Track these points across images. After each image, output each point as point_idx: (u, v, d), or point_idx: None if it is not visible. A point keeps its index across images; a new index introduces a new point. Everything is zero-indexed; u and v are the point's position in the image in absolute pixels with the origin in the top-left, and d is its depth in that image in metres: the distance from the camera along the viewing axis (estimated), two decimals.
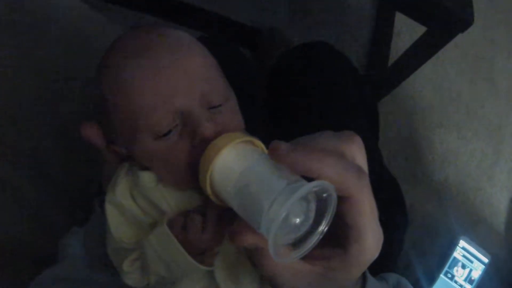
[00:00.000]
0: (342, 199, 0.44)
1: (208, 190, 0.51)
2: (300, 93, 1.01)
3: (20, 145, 1.33)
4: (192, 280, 0.64)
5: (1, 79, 1.37)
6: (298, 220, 0.43)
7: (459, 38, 1.22)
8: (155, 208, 0.62)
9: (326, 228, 0.44)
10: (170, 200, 0.61)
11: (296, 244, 0.45)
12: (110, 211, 0.63)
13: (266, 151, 0.52)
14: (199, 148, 0.53)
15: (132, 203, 0.63)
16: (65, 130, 1.34)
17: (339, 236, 0.47)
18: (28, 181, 1.31)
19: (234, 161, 0.49)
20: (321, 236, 0.44)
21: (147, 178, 0.61)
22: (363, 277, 0.68)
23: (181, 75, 0.56)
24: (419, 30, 1.28)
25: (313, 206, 0.43)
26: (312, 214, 0.44)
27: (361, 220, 0.45)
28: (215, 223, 0.57)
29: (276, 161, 0.45)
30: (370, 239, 0.46)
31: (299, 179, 0.43)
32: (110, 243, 0.66)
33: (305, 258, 0.46)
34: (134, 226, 0.64)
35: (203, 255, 0.59)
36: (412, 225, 1.12)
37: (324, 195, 0.43)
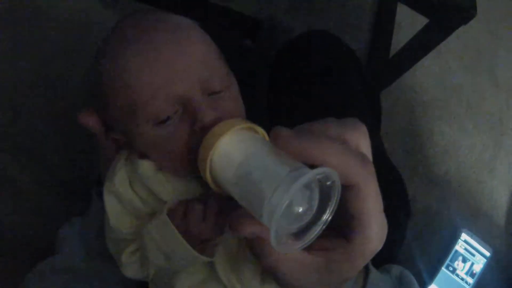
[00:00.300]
0: (346, 188, 0.42)
1: (208, 178, 0.49)
2: (302, 82, 0.99)
3: (18, 135, 1.33)
4: (192, 271, 0.63)
5: None
6: (301, 209, 0.42)
7: (461, 30, 1.20)
8: (155, 197, 0.61)
9: (330, 218, 0.43)
10: (170, 188, 0.59)
11: (299, 234, 0.43)
12: (109, 200, 0.62)
13: (267, 138, 0.51)
14: (199, 135, 0.52)
15: (131, 192, 0.62)
16: (63, 120, 1.34)
17: (342, 226, 0.45)
18: (26, 171, 1.31)
19: (235, 148, 0.47)
20: (324, 226, 0.43)
21: (146, 166, 0.60)
22: (366, 268, 0.67)
23: (181, 61, 0.55)
24: (421, 22, 1.26)
25: (316, 194, 0.42)
26: (315, 203, 0.42)
27: (366, 210, 0.43)
28: (216, 213, 0.56)
29: (278, 148, 0.43)
30: (375, 229, 0.44)
31: (302, 166, 0.41)
32: (109, 234, 0.65)
33: (307, 248, 0.44)
34: (133, 216, 0.63)
35: (204, 246, 0.58)
36: (413, 218, 1.10)
37: (328, 183, 0.41)
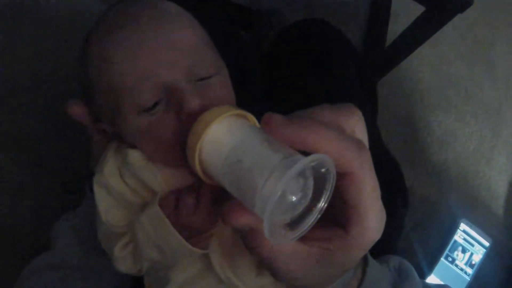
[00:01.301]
0: (341, 176, 0.40)
1: (197, 168, 0.47)
2: (298, 71, 0.98)
3: (15, 133, 1.32)
4: (188, 264, 0.62)
5: None
6: (295, 198, 0.40)
7: (458, 20, 1.20)
8: (146, 187, 0.59)
9: (324, 206, 0.41)
10: (160, 178, 0.58)
11: (293, 224, 0.41)
12: (99, 192, 0.61)
13: (258, 125, 0.49)
14: (186, 123, 0.50)
15: (121, 183, 0.60)
16: (61, 118, 1.33)
17: (338, 216, 0.43)
18: (23, 170, 1.30)
19: (224, 135, 0.45)
20: (319, 215, 0.41)
21: (136, 156, 0.58)
22: (364, 259, 0.66)
23: (166, 47, 0.54)
24: (417, 11, 1.25)
25: (310, 182, 0.40)
26: (310, 192, 0.40)
27: (362, 198, 0.41)
28: (208, 203, 0.54)
29: (270, 135, 0.41)
30: (372, 219, 0.42)
31: (295, 153, 0.39)
32: (101, 228, 0.64)
33: (303, 239, 0.42)
34: (124, 208, 0.62)
35: (198, 238, 0.57)
36: (412, 208, 1.10)
37: (322, 170, 0.39)
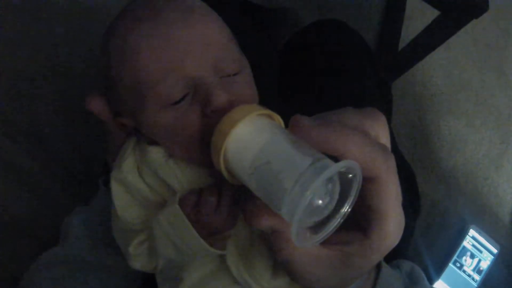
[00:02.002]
0: (366, 180, 0.41)
1: (222, 167, 0.47)
2: (315, 71, 0.98)
3: (25, 122, 1.32)
4: (201, 263, 0.61)
5: (3, 54, 1.36)
6: (321, 202, 0.40)
7: (471, 26, 1.20)
8: (164, 185, 0.59)
9: (348, 210, 0.41)
10: (180, 177, 0.58)
11: (316, 227, 0.41)
12: (116, 189, 0.61)
13: (283, 126, 0.49)
14: (211, 118, 0.50)
15: (139, 180, 0.60)
16: (71, 108, 1.33)
17: (359, 220, 0.44)
18: (32, 159, 1.30)
19: (253, 135, 0.45)
20: (342, 219, 0.41)
21: (156, 153, 0.58)
22: (378, 264, 0.65)
23: (193, 41, 0.53)
24: (430, 15, 1.25)
25: (337, 187, 0.40)
26: (336, 196, 0.40)
27: (385, 203, 0.41)
28: (229, 204, 0.54)
29: (297, 137, 0.41)
30: (393, 224, 0.43)
31: (324, 157, 0.39)
32: (116, 224, 0.64)
33: (324, 242, 0.42)
34: (141, 205, 0.61)
35: (215, 238, 0.57)
36: (421, 212, 1.10)
37: (350, 176, 0.39)
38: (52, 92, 1.36)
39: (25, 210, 1.25)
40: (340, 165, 0.37)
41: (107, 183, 0.76)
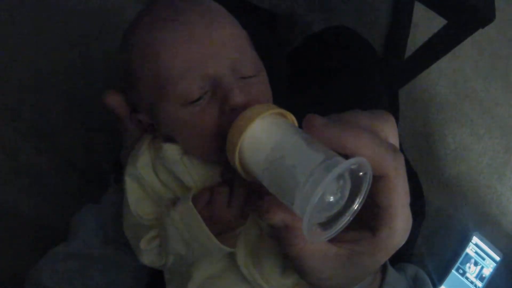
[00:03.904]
0: (375, 178, 0.42)
1: (237, 162, 0.48)
2: (324, 77, 0.99)
3: (35, 119, 1.33)
4: (210, 261, 0.62)
5: (14, 52, 1.37)
6: (332, 198, 0.41)
7: (477, 35, 1.20)
8: (178, 182, 0.60)
9: (359, 208, 0.42)
10: (194, 174, 0.59)
11: (326, 223, 0.42)
12: (130, 184, 0.62)
13: (297, 125, 0.50)
14: (229, 117, 0.51)
15: (153, 177, 0.61)
16: (81, 106, 1.34)
17: (368, 219, 0.45)
18: (42, 155, 1.31)
19: (268, 132, 0.46)
20: (352, 217, 0.42)
21: (171, 150, 0.59)
22: (383, 266, 0.66)
23: (213, 42, 0.55)
24: (436, 23, 1.26)
25: (348, 184, 0.41)
26: (346, 193, 0.41)
27: (394, 201, 0.43)
28: (242, 199, 0.55)
29: (311, 135, 0.42)
30: (401, 223, 0.44)
31: (335, 154, 0.40)
32: (127, 220, 0.64)
33: (332, 240, 0.44)
34: (154, 201, 0.62)
35: (225, 236, 0.57)
36: (425, 219, 1.11)
37: (360, 173, 0.41)
38: (61, 90, 1.37)
39: (34, 206, 1.26)
40: (352, 162, 0.39)
41: (118, 180, 0.77)
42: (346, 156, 0.40)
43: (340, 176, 0.40)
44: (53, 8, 1.44)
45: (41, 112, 1.35)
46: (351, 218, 0.42)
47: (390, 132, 0.46)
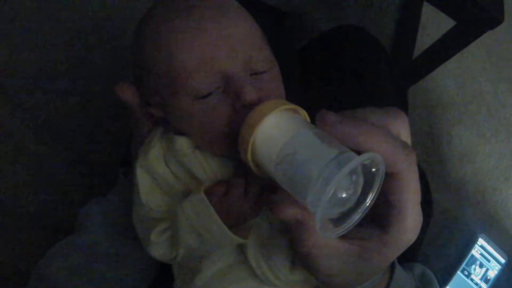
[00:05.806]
0: (387, 175, 0.42)
1: (249, 158, 0.48)
2: (334, 75, 0.99)
3: (40, 110, 1.34)
4: (219, 256, 0.62)
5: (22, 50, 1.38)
6: (345, 194, 0.41)
7: (485, 36, 1.21)
8: (190, 175, 0.60)
9: (371, 204, 0.42)
10: (206, 167, 0.59)
11: (338, 219, 0.42)
12: (142, 175, 0.61)
13: (309, 121, 0.50)
14: (240, 112, 0.51)
15: (165, 169, 0.61)
16: (88, 99, 1.35)
17: (379, 215, 0.45)
18: (46, 146, 1.31)
19: (280, 128, 0.46)
20: (365, 212, 0.42)
21: (183, 143, 0.59)
22: (391, 265, 0.66)
23: (226, 38, 0.54)
24: (444, 24, 1.26)
25: (361, 180, 0.41)
26: (359, 189, 0.42)
27: (405, 198, 0.43)
28: (256, 193, 0.55)
29: (323, 131, 0.42)
30: (411, 220, 0.44)
31: (348, 150, 0.40)
32: (138, 211, 0.64)
33: (344, 236, 0.44)
34: (166, 194, 0.62)
35: (236, 229, 0.57)
36: (431, 220, 1.11)
37: (373, 169, 0.41)
38: (70, 86, 1.38)
39: (37, 196, 1.26)
40: (364, 157, 0.39)
41: (127, 173, 0.77)
42: (359, 153, 0.40)
43: (353, 172, 0.40)
44: (64, 5, 1.45)
45: (50, 105, 1.35)
46: (363, 215, 0.42)
47: (402, 129, 0.46)
